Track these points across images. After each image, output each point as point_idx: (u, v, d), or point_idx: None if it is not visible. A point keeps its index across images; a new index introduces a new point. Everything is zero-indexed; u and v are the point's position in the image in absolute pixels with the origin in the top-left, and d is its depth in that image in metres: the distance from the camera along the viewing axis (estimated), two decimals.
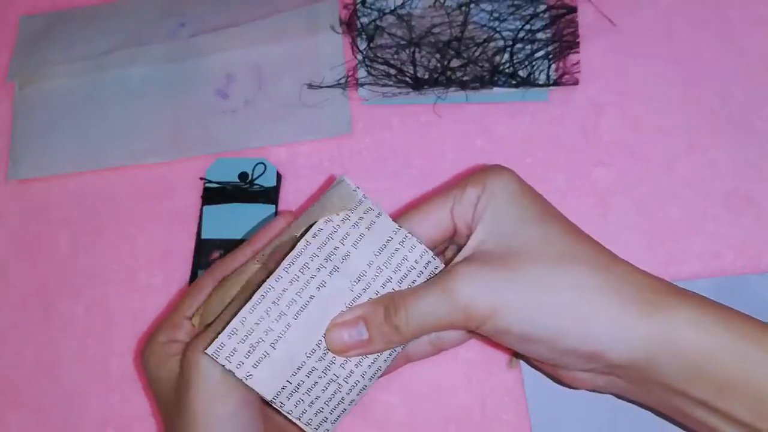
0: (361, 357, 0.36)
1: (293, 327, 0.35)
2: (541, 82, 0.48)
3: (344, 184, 0.37)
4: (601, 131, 0.48)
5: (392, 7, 0.51)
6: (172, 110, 0.50)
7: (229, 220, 0.47)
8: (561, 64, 0.49)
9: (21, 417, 0.45)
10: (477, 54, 0.49)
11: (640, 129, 0.48)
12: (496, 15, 0.50)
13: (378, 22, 0.51)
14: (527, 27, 0.49)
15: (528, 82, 0.48)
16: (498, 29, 0.50)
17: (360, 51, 0.50)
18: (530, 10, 0.50)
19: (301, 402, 0.35)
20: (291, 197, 0.48)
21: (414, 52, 0.49)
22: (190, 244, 0.47)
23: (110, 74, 0.52)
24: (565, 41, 0.49)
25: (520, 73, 0.49)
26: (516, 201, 0.36)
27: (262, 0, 0.52)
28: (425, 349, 0.39)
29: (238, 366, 0.34)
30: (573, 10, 0.50)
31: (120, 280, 0.47)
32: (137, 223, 0.48)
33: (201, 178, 0.48)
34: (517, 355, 0.43)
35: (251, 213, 0.47)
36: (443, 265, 0.37)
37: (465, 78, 0.49)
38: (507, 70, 0.49)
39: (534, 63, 0.49)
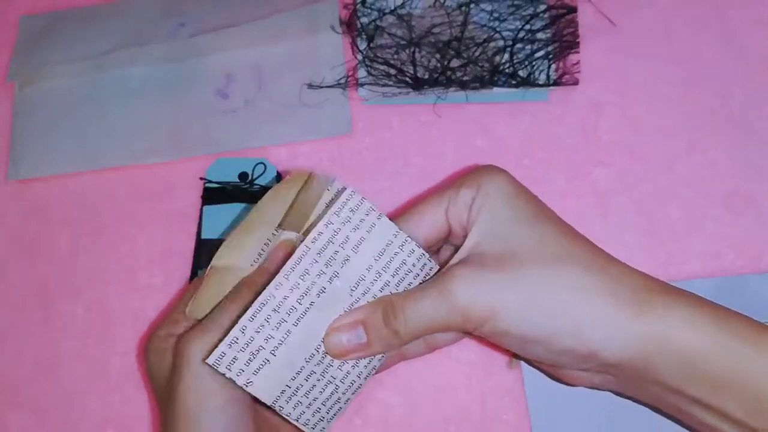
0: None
1: (293, 333, 0.35)
2: (541, 82, 0.48)
3: (319, 178, 0.37)
4: (601, 131, 0.48)
5: (392, 7, 0.51)
6: (172, 110, 0.50)
7: (229, 220, 0.47)
8: (561, 64, 0.49)
9: (21, 417, 0.45)
10: (477, 54, 0.49)
11: (640, 129, 0.48)
12: (496, 15, 0.50)
13: (378, 22, 0.50)
14: (527, 27, 0.49)
15: (528, 82, 0.48)
16: (498, 29, 0.50)
17: (360, 51, 0.50)
18: (530, 10, 0.50)
19: (300, 404, 0.36)
20: None
21: (414, 52, 0.49)
22: (190, 244, 0.47)
23: (110, 74, 0.52)
24: (565, 41, 0.49)
25: (520, 73, 0.49)
26: (511, 202, 0.36)
27: (262, 0, 0.52)
28: (419, 348, 0.40)
29: (239, 374, 0.34)
30: (573, 10, 0.50)
31: (120, 280, 0.47)
32: (137, 223, 0.48)
33: (201, 178, 0.48)
34: (516, 355, 0.43)
35: None
36: (438, 267, 0.37)
37: (465, 78, 0.49)
38: (507, 70, 0.49)
39: (534, 63, 0.49)
